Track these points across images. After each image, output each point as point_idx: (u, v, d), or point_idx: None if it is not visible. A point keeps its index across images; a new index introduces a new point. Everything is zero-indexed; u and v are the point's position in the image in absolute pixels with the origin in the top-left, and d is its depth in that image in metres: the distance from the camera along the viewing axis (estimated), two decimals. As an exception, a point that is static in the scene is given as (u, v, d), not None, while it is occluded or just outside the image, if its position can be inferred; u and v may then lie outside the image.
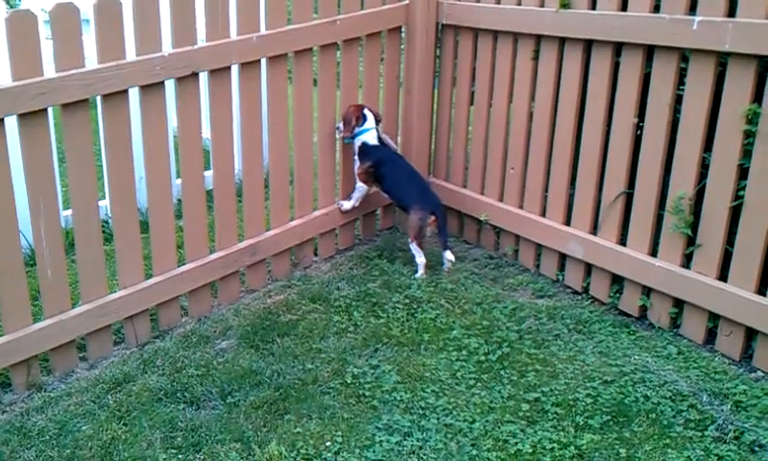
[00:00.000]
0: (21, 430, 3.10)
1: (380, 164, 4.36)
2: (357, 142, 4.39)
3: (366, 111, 4.37)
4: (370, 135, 4.37)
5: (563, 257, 4.13)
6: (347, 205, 4.50)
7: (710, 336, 3.57)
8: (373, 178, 4.41)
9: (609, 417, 3.10)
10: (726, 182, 3.34)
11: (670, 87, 3.47)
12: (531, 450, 2.93)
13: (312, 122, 4.31)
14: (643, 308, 3.78)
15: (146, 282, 3.71)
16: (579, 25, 3.75)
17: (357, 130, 4.35)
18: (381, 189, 4.45)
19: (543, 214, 4.18)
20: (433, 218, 4.23)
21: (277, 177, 4.19)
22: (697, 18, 3.27)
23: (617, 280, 3.87)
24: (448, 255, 4.23)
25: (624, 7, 3.59)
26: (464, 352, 3.56)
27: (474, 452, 2.94)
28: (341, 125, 4.37)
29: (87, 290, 3.54)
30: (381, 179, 4.39)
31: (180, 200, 3.85)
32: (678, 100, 3.49)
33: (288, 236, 4.28)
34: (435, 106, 4.76)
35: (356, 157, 4.43)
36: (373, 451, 2.96)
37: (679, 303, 3.63)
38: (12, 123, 3.16)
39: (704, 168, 3.44)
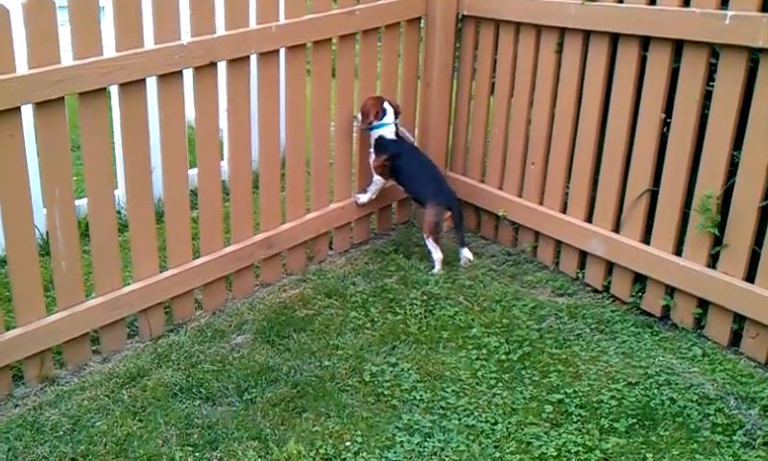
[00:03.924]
0: (34, 425, 3.05)
1: (396, 157, 4.29)
2: (374, 135, 4.31)
3: (385, 105, 4.29)
4: (387, 130, 4.30)
5: (583, 255, 4.06)
6: (363, 198, 4.43)
7: (735, 338, 3.50)
8: (390, 171, 4.33)
9: (634, 420, 3.03)
10: (755, 182, 3.27)
11: (699, 83, 3.39)
12: (555, 454, 2.87)
13: (330, 114, 4.24)
14: (666, 308, 3.71)
15: (161, 275, 3.65)
16: (605, 18, 3.67)
17: (375, 123, 4.27)
18: (397, 182, 4.38)
19: (564, 211, 4.10)
20: (449, 214, 4.16)
21: (294, 169, 4.13)
22: (729, 12, 3.19)
23: (639, 279, 3.80)
24: (466, 253, 4.17)
25: (653, 0, 3.51)
26: (484, 351, 3.50)
27: (497, 455, 2.88)
28: (359, 116, 4.30)
29: (101, 282, 3.47)
30: (397, 172, 4.32)
31: (192, 191, 3.78)
32: (707, 96, 3.41)
33: (304, 229, 4.22)
34: (453, 99, 4.68)
35: (372, 150, 4.35)
36: (394, 452, 2.90)
37: (703, 304, 3.56)
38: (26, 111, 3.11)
39: (732, 166, 3.37)
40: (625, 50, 3.65)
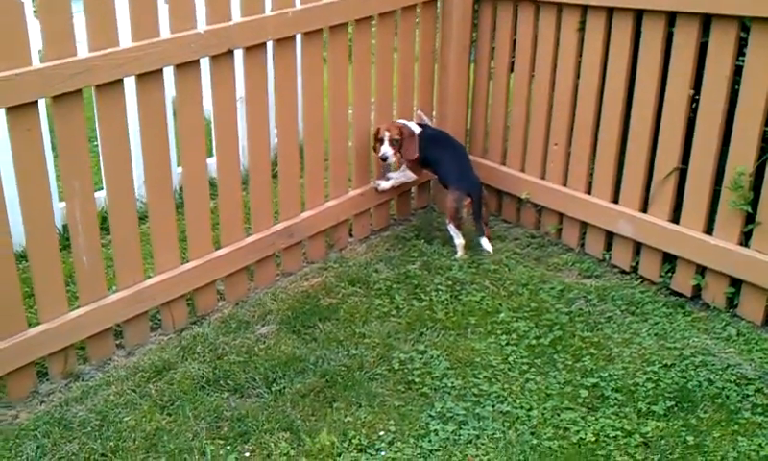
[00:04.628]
0: (61, 422, 3.00)
1: (424, 149, 4.23)
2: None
3: (401, 122, 4.27)
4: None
5: (609, 236, 4.00)
6: (384, 184, 4.36)
7: (770, 317, 3.44)
8: (420, 164, 4.31)
9: (672, 403, 2.98)
10: (790, 157, 3.20)
11: (729, 59, 3.31)
12: (594, 439, 2.82)
13: (347, 100, 4.17)
14: (697, 288, 3.65)
15: (183, 267, 3.60)
16: (630, -7, 3.60)
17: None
18: (427, 169, 4.35)
19: (589, 192, 4.04)
20: (469, 200, 4.09)
21: (313, 156, 4.07)
22: (761, -17, 3.12)
23: (668, 259, 3.74)
24: (484, 243, 4.08)
25: (678, -27, 3.44)
26: (513, 336, 3.44)
27: (534, 441, 2.82)
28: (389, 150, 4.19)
29: (123, 276, 3.42)
30: (425, 161, 4.29)
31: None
32: (736, 71, 3.33)
33: (324, 217, 4.16)
34: (471, 81, 4.61)
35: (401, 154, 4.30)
36: (429, 441, 2.85)
37: (736, 283, 3.50)
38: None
39: (764, 142, 3.30)
40: (650, 26, 3.57)
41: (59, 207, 4.05)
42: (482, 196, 4.15)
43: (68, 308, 3.28)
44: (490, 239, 4.14)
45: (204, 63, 3.48)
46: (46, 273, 3.17)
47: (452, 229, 4.14)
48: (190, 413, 3.03)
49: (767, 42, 3.18)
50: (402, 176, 4.36)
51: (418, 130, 4.26)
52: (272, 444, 2.86)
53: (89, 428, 2.97)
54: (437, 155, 4.24)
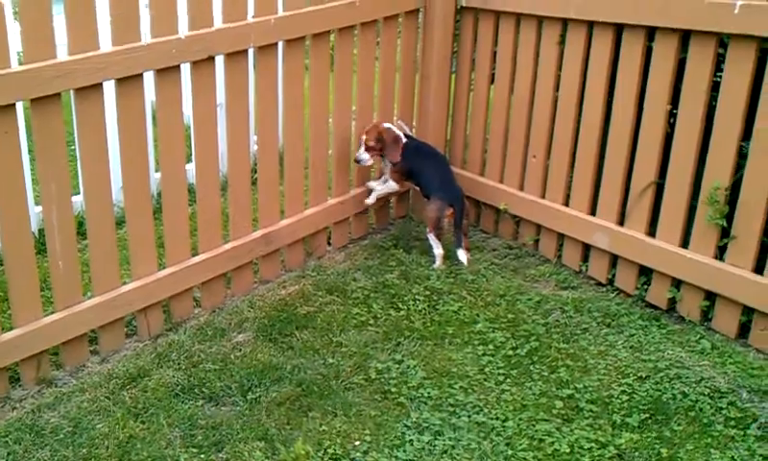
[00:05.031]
0: (33, 428, 2.97)
1: (406, 159, 4.24)
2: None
3: (387, 125, 4.27)
4: None
5: (586, 248, 4.02)
6: (369, 200, 4.38)
7: (743, 330, 3.46)
8: (400, 175, 4.32)
9: (647, 415, 2.99)
10: (764, 172, 3.23)
11: (707, 74, 3.35)
12: (569, 450, 2.83)
13: (328, 108, 4.17)
14: (672, 301, 3.67)
15: (160, 273, 3.57)
16: (609, 8, 3.62)
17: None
18: (408, 180, 4.37)
19: (567, 204, 4.06)
20: (450, 210, 4.10)
21: (293, 164, 4.06)
22: (739, 2, 3.14)
23: (644, 272, 3.76)
24: (461, 255, 4.07)
25: (658, -11, 3.47)
26: (490, 347, 3.45)
27: (509, 452, 2.83)
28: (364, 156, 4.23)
29: (99, 281, 3.40)
30: (406, 172, 4.30)
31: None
32: (714, 87, 3.37)
33: (303, 225, 4.15)
34: (452, 92, 4.62)
35: (385, 163, 4.33)
36: (404, 451, 2.85)
37: (710, 297, 3.53)
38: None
39: (741, 158, 3.33)
40: (630, 41, 3.60)
41: (35, 211, 4.02)
42: (464, 207, 4.16)
43: (43, 313, 3.25)
44: (468, 250, 4.15)
45: (185, 69, 3.47)
46: (21, 277, 3.14)
47: (432, 238, 4.14)
48: (164, 421, 3.01)
49: (744, 58, 3.22)
50: (385, 187, 4.36)
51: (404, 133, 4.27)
52: (246, 452, 2.85)
53: (62, 435, 2.94)
54: (419, 165, 4.25)
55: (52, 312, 3.29)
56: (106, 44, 3.20)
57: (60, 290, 3.28)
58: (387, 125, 4.27)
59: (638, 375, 3.22)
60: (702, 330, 3.52)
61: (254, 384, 3.21)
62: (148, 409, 3.08)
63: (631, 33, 3.59)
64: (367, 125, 4.26)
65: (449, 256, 4.15)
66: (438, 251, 4.14)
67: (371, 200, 4.36)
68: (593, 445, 2.85)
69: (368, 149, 4.19)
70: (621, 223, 3.82)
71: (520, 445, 2.87)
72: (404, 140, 4.24)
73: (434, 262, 4.15)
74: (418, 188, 4.38)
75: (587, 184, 3.93)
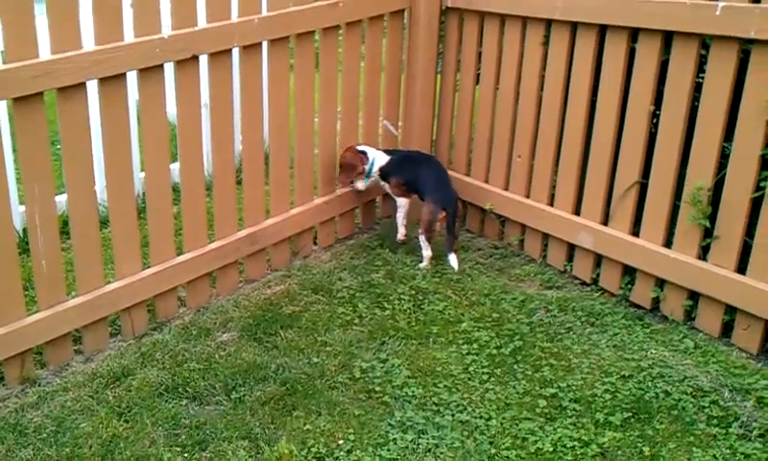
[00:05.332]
0: (17, 428, 2.96)
1: (401, 173, 4.29)
2: (375, 174, 4.32)
3: (362, 149, 4.30)
4: (380, 158, 4.31)
5: (571, 248, 4.04)
6: (401, 234, 4.37)
7: (726, 329, 3.49)
8: (406, 187, 4.31)
9: (629, 413, 3.01)
10: (747, 173, 3.25)
11: (689, 75, 3.37)
12: (551, 449, 2.84)
13: (314, 108, 4.17)
14: (656, 300, 3.69)
15: (144, 272, 3.57)
16: (593, 9, 3.64)
17: (367, 168, 4.28)
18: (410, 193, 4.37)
19: (551, 204, 4.07)
20: (443, 214, 4.10)
21: (278, 163, 4.06)
22: (721, 3, 3.17)
23: (629, 272, 3.78)
24: (452, 260, 4.08)
25: (641, -9, 3.49)
26: (474, 346, 3.46)
27: (493, 451, 2.84)
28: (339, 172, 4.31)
29: (83, 280, 3.39)
30: (407, 184, 4.31)
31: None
32: (696, 88, 3.39)
33: (289, 225, 4.15)
34: (437, 92, 4.63)
35: (383, 184, 4.37)
36: (388, 450, 2.85)
37: (694, 296, 3.55)
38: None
39: (723, 158, 3.35)
40: (613, 42, 3.62)
41: (19, 211, 4.00)
42: (457, 211, 4.16)
43: (26, 313, 3.24)
44: (456, 252, 4.15)
45: (169, 68, 3.46)
46: (4, 276, 3.12)
47: (423, 240, 4.14)
48: (148, 420, 3.00)
49: (726, 60, 3.24)
50: (402, 214, 4.36)
51: (382, 158, 4.30)
52: (230, 451, 2.85)
53: (45, 434, 2.93)
54: (412, 174, 4.27)
55: (36, 311, 3.28)
56: (89, 43, 3.19)
57: (44, 289, 3.26)
58: (359, 148, 4.30)
59: (622, 374, 3.23)
60: (685, 330, 3.54)
61: (239, 384, 3.21)
62: (132, 408, 3.07)
63: (614, 34, 3.61)
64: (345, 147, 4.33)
65: (435, 255, 4.16)
66: (427, 253, 4.15)
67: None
68: (576, 443, 2.86)
69: (342, 168, 4.29)
70: (605, 223, 3.83)
71: (503, 443, 2.87)
72: (386, 160, 4.28)
73: (420, 262, 4.16)
74: (414, 193, 4.34)
75: (571, 184, 3.95)
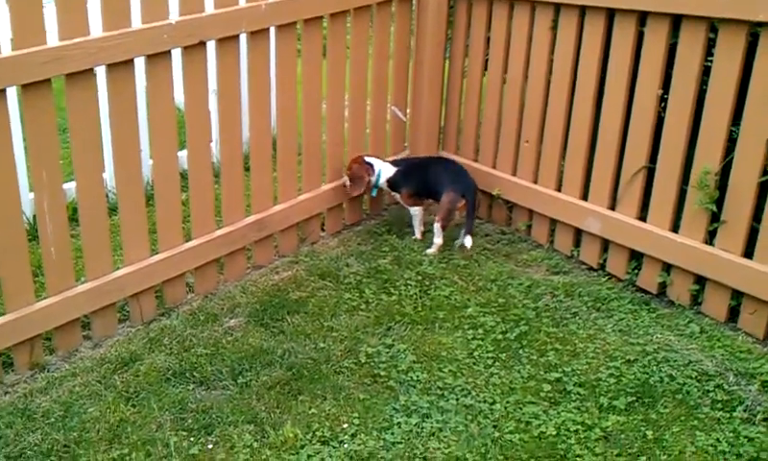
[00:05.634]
0: (25, 412, 3.00)
1: (409, 183, 4.30)
2: (384, 185, 4.35)
3: (369, 160, 4.32)
4: (386, 170, 4.32)
5: (578, 233, 4.03)
6: (419, 232, 4.37)
7: (733, 314, 3.48)
8: (417, 195, 4.32)
9: (633, 398, 3.01)
10: (754, 157, 3.23)
11: (698, 58, 3.35)
12: (555, 432, 2.85)
13: (321, 94, 4.17)
14: (663, 285, 3.68)
15: (152, 259, 3.59)
16: (602, -7, 3.63)
17: (374, 179, 4.30)
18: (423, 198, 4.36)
19: (559, 189, 4.07)
20: (463, 202, 4.10)
21: (286, 150, 4.07)
22: (729, -14, 3.15)
23: (635, 257, 3.78)
24: (467, 240, 4.06)
25: (649, -26, 3.46)
26: (480, 331, 3.47)
27: (496, 435, 2.85)
28: (347, 182, 4.33)
29: (92, 267, 3.41)
30: (419, 191, 4.32)
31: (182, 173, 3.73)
32: (705, 72, 3.37)
33: (296, 211, 4.16)
34: (445, 78, 4.62)
35: (394, 194, 4.40)
36: (392, 433, 2.87)
37: (700, 281, 3.54)
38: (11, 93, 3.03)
39: (730, 142, 3.33)
40: (621, 26, 3.60)
41: (29, 198, 4.04)
42: (476, 199, 4.17)
43: (35, 299, 3.27)
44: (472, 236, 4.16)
45: (177, 54, 3.47)
46: (14, 263, 3.15)
47: (437, 228, 4.13)
48: (155, 405, 3.03)
49: (735, 43, 3.21)
50: (417, 221, 4.36)
51: (388, 170, 4.32)
52: (235, 436, 2.87)
53: (53, 419, 2.96)
54: (421, 180, 4.28)
55: (45, 297, 3.31)
56: (96, 30, 3.20)
57: (53, 276, 3.29)
58: (366, 159, 4.32)
59: (626, 358, 3.23)
60: (691, 314, 3.54)
61: (245, 368, 3.23)
62: (139, 393, 3.10)
63: (622, 18, 3.59)
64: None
65: (445, 243, 4.16)
66: (438, 240, 4.15)
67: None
68: (579, 427, 2.87)
69: (351, 180, 4.31)
70: (613, 208, 3.82)
71: (507, 427, 2.88)
72: (393, 172, 4.31)
73: (428, 248, 4.16)
74: (431, 197, 4.33)
75: (578, 169, 3.94)
